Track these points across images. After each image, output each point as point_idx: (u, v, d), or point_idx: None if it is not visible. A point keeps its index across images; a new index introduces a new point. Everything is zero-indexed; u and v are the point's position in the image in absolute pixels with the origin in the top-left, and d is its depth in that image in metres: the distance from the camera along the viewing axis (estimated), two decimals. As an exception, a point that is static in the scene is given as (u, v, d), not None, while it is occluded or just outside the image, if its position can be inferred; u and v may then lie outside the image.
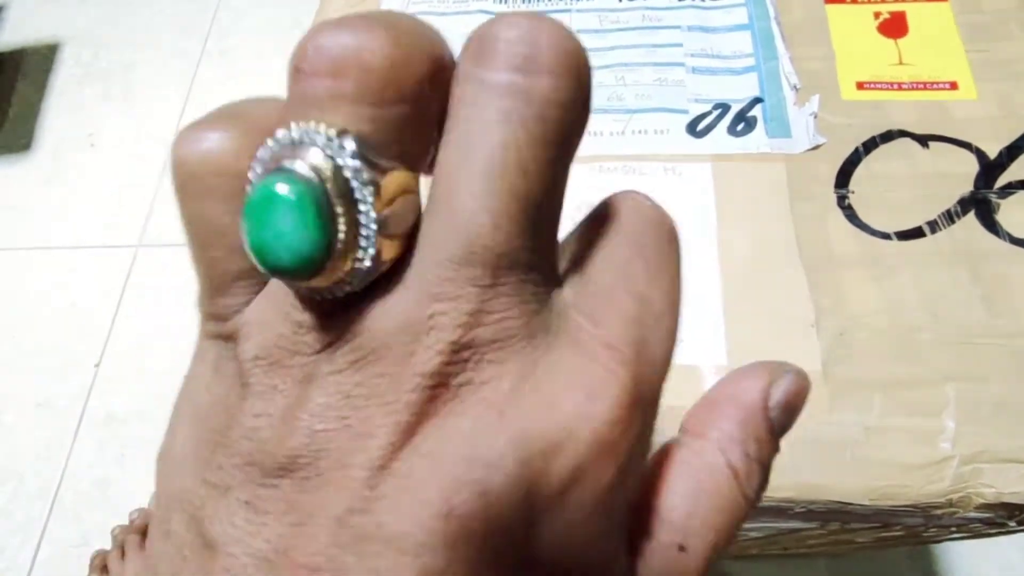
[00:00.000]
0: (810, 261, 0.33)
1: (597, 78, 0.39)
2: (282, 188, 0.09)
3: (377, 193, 0.10)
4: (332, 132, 0.10)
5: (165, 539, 0.11)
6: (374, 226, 0.10)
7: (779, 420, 0.13)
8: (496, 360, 0.10)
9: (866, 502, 0.28)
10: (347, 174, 0.10)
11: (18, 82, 1.09)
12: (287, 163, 0.10)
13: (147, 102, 1.06)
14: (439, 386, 0.10)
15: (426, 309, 0.10)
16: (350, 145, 0.10)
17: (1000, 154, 0.34)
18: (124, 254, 0.91)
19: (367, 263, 0.10)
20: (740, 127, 0.36)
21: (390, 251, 0.10)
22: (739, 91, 0.38)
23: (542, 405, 0.10)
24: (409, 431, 0.10)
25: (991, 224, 0.33)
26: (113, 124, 1.03)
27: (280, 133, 0.10)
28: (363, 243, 0.10)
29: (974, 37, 0.38)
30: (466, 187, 0.10)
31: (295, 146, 0.10)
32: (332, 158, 0.10)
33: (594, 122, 0.37)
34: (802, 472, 0.28)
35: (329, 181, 0.10)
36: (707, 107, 0.37)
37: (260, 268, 0.10)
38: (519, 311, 0.10)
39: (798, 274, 0.32)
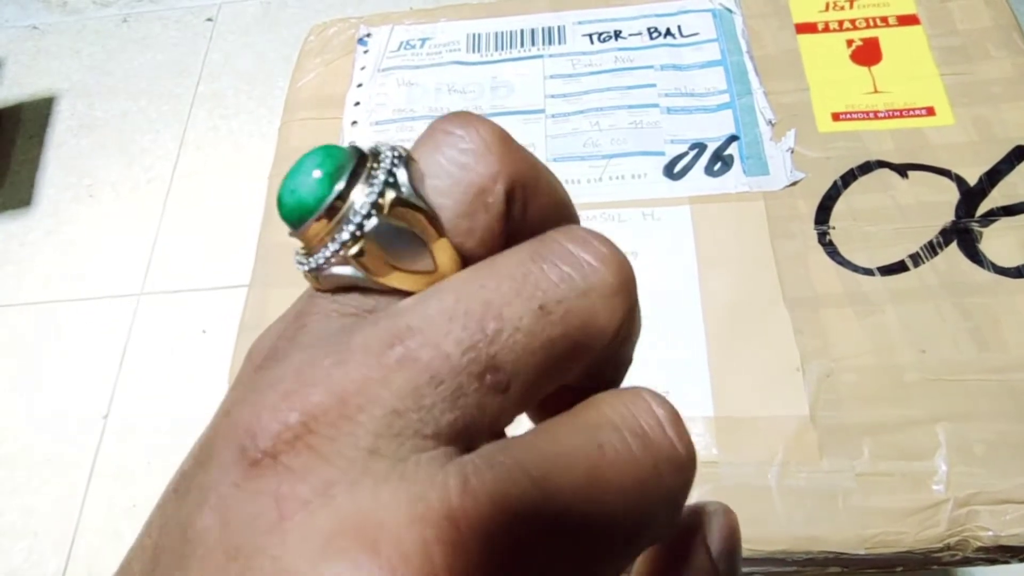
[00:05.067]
0: (793, 302, 0.32)
1: (573, 124, 0.39)
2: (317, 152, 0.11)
3: (377, 206, 0.11)
4: (401, 154, 0.11)
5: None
6: (363, 218, 0.11)
7: (725, 562, 0.13)
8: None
9: (862, 552, 0.27)
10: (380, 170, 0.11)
11: (17, 138, 1.11)
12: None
13: (142, 148, 1.07)
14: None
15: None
16: (403, 174, 0.11)
17: (980, 180, 0.34)
18: (126, 303, 0.92)
19: (332, 247, 0.11)
20: (717, 167, 0.36)
21: (353, 249, 0.11)
22: (714, 129, 0.38)
23: None
24: None
25: (974, 254, 0.32)
26: (110, 173, 1.05)
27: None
28: (345, 227, 0.11)
29: (949, 60, 0.38)
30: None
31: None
32: (388, 162, 0.11)
33: (571, 169, 0.38)
34: (794, 523, 0.28)
35: (360, 160, 0.11)
36: (683, 147, 0.37)
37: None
38: None
39: (782, 316, 0.32)
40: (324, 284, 0.11)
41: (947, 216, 0.33)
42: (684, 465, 0.11)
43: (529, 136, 0.39)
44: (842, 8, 0.40)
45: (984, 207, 0.33)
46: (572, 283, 0.11)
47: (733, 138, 0.37)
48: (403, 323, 0.10)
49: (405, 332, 0.10)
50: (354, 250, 0.11)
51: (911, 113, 0.36)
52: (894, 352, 0.31)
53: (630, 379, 0.33)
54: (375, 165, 0.11)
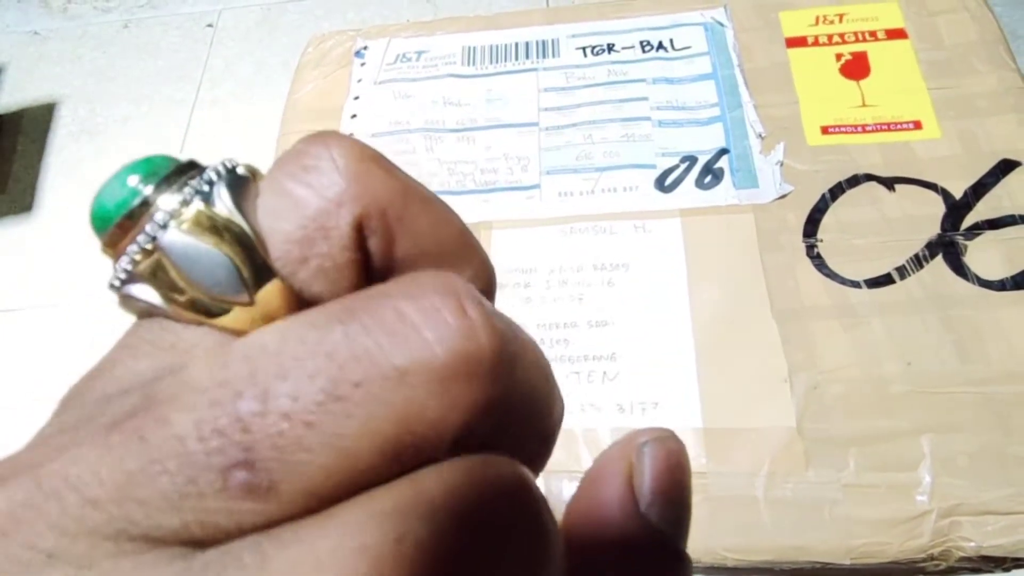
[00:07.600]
0: (781, 314, 0.33)
1: (566, 137, 0.40)
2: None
3: (175, 214, 0.09)
4: (229, 167, 0.09)
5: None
6: (158, 228, 0.09)
7: (664, 515, 0.10)
8: None
9: (847, 562, 0.28)
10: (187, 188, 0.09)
11: (19, 143, 1.11)
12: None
13: (144, 153, 1.08)
14: None
15: None
16: (224, 191, 0.09)
17: (965, 194, 0.34)
18: (127, 308, 0.92)
19: (124, 262, 0.09)
20: (707, 179, 0.37)
21: (143, 268, 0.09)
22: (705, 142, 0.38)
23: None
24: None
25: (959, 267, 0.33)
26: (111, 179, 1.05)
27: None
28: (140, 237, 0.09)
29: (936, 74, 0.38)
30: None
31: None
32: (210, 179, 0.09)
33: (564, 182, 0.38)
34: (781, 534, 0.28)
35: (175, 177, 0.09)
36: (674, 160, 0.38)
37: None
38: None
39: (770, 328, 0.33)
40: (125, 306, 0.09)
41: (933, 229, 0.34)
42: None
43: (523, 149, 0.40)
44: (832, 22, 0.41)
45: (969, 220, 0.34)
46: (376, 360, 0.08)
47: (723, 151, 0.38)
48: (163, 386, 0.08)
49: (153, 400, 0.08)
50: (146, 264, 0.09)
51: (898, 127, 0.37)
52: (880, 364, 0.31)
53: (631, 381, 0.34)
54: (195, 174, 0.09)
